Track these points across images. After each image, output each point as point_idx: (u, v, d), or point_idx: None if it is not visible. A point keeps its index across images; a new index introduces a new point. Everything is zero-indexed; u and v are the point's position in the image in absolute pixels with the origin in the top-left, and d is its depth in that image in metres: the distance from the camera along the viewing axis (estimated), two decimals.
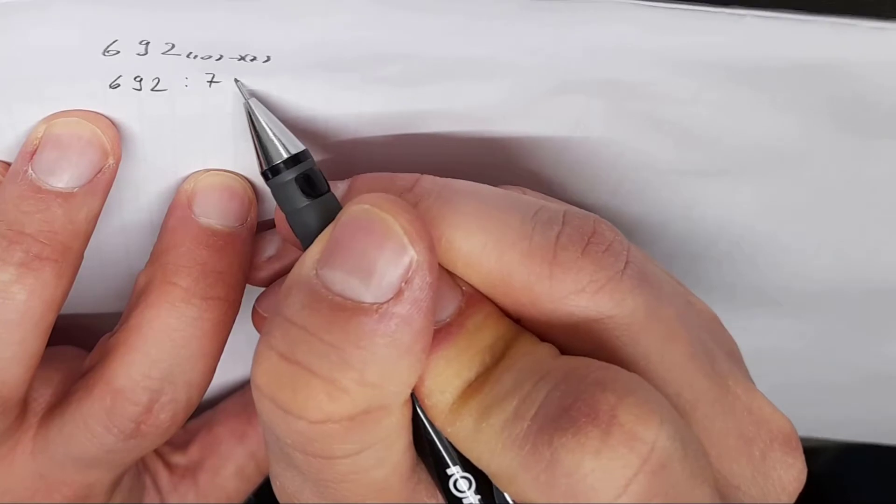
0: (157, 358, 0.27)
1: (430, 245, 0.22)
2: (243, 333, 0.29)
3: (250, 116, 0.25)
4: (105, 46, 0.24)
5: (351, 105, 0.26)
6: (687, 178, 0.28)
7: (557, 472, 0.21)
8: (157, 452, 0.35)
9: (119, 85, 0.25)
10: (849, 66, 0.25)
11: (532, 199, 0.24)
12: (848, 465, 0.53)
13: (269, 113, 0.25)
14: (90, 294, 0.30)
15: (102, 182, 0.26)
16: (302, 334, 0.22)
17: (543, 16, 0.23)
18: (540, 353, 0.23)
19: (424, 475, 0.24)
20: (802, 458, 0.25)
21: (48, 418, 0.28)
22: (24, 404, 0.28)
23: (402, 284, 0.22)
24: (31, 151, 0.26)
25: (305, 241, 0.24)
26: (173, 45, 0.24)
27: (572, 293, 0.23)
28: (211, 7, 0.23)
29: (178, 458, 0.35)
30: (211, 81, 0.25)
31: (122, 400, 0.27)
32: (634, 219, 0.30)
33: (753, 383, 0.25)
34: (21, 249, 0.25)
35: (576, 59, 0.25)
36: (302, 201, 0.25)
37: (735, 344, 0.27)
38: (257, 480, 0.36)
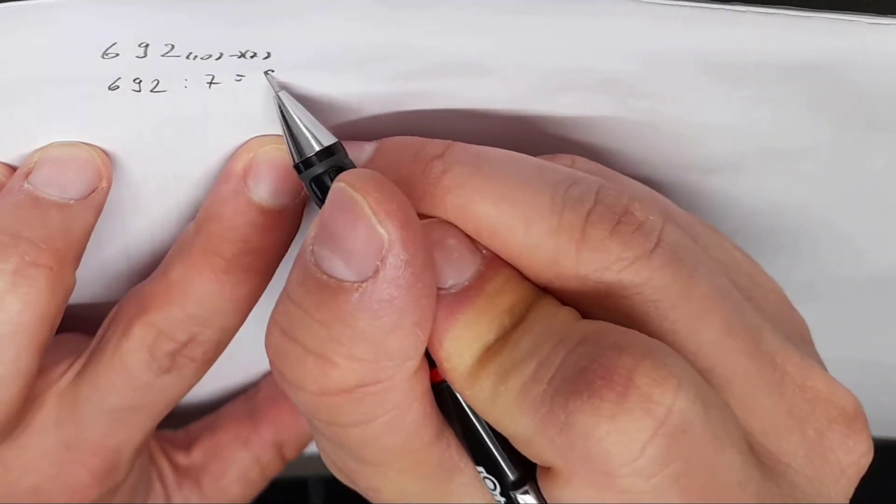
0: (194, 313, 0.28)
1: (404, 222, 0.22)
2: (243, 335, 0.29)
3: (281, 110, 0.26)
4: (104, 49, 0.24)
5: (352, 101, 0.26)
6: (686, 173, 0.29)
7: (573, 435, 0.22)
8: (162, 449, 0.35)
9: (118, 87, 0.25)
10: (849, 61, 0.25)
11: (568, 171, 0.25)
12: None
13: (300, 105, 0.25)
14: (89, 294, 0.30)
15: (96, 200, 0.27)
16: (297, 311, 0.23)
17: (547, 11, 0.24)
18: (560, 317, 0.24)
19: (455, 438, 0.25)
20: (866, 439, 0.24)
21: (76, 384, 0.29)
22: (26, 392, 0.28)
23: (378, 263, 0.22)
24: (27, 172, 0.26)
25: None
26: (173, 47, 0.24)
27: (597, 270, 0.23)
28: (211, 5, 0.23)
29: (181, 459, 0.35)
30: (211, 83, 0.25)
31: (163, 338, 0.28)
32: None
33: (813, 361, 0.25)
34: (17, 254, 0.25)
35: (577, 56, 0.25)
36: None
37: (803, 324, 0.27)
38: (262, 485, 0.36)
